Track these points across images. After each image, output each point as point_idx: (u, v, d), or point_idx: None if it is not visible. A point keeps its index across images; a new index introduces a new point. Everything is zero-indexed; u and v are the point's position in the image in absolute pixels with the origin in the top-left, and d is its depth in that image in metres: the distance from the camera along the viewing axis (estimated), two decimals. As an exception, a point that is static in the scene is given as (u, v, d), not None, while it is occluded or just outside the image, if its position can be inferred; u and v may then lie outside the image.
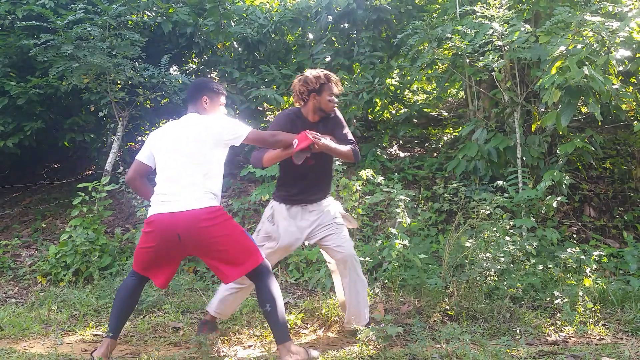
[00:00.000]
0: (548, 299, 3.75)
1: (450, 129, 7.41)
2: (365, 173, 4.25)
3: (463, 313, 3.46)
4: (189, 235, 2.56)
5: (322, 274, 4.04)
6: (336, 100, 3.07)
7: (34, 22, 5.18)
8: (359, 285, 3.06)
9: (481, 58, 4.70)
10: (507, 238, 3.82)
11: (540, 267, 3.99)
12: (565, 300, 3.52)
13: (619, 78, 5.17)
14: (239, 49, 6.79)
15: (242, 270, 2.66)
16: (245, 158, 6.14)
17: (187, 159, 2.66)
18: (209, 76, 6.87)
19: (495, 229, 3.85)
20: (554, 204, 4.35)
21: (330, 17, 6.66)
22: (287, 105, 6.15)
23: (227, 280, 2.71)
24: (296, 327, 3.32)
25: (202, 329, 3.07)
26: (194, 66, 7.37)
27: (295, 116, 3.07)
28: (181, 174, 2.64)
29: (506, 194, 4.50)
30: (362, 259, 4.07)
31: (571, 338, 3.17)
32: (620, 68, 4.99)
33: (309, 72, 3.03)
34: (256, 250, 2.73)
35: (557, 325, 3.34)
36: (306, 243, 3.28)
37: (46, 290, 4.18)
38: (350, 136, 3.16)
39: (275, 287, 2.69)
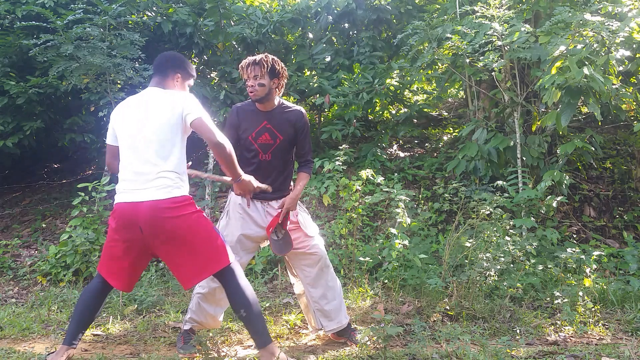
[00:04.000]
0: (548, 299, 3.75)
1: (450, 129, 7.42)
2: (365, 173, 4.25)
3: (463, 313, 3.46)
4: (151, 227, 2.34)
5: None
6: (250, 83, 2.78)
7: (33, 22, 5.18)
8: (337, 283, 3.01)
9: (481, 58, 4.70)
10: (507, 238, 3.82)
11: (540, 267, 3.99)
12: (565, 300, 3.52)
13: (619, 78, 5.17)
14: (239, 49, 6.78)
15: (206, 271, 2.43)
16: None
17: (150, 141, 2.41)
18: (208, 76, 6.87)
19: (495, 229, 3.85)
20: (554, 204, 4.35)
21: (330, 17, 6.66)
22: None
23: (189, 283, 2.46)
24: (296, 327, 3.32)
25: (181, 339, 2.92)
26: (194, 66, 7.35)
27: (249, 105, 2.91)
28: (144, 158, 2.40)
29: (506, 194, 4.50)
30: (362, 259, 4.08)
31: (571, 338, 3.17)
32: (620, 68, 4.99)
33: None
34: (224, 249, 2.49)
35: (557, 325, 3.34)
36: (266, 243, 3.04)
37: (46, 290, 4.18)
38: (307, 148, 3.00)
39: (248, 288, 2.48)
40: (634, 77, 5.38)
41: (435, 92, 7.44)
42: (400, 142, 7.09)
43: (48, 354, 2.58)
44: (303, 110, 2.99)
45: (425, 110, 6.93)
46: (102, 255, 2.56)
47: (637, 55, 4.82)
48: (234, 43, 6.80)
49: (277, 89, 2.88)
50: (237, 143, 2.88)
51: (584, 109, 5.86)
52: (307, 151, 3.02)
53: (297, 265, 2.98)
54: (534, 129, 5.37)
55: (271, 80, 2.81)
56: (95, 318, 2.67)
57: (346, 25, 6.85)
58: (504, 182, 4.48)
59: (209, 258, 2.43)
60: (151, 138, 2.42)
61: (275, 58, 2.87)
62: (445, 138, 7.18)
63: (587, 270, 3.94)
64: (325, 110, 6.95)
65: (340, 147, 4.60)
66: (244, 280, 2.51)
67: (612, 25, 4.07)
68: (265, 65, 2.78)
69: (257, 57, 2.81)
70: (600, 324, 3.36)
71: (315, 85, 6.15)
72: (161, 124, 2.43)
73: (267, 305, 3.68)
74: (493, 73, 5.05)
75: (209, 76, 6.87)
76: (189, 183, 2.56)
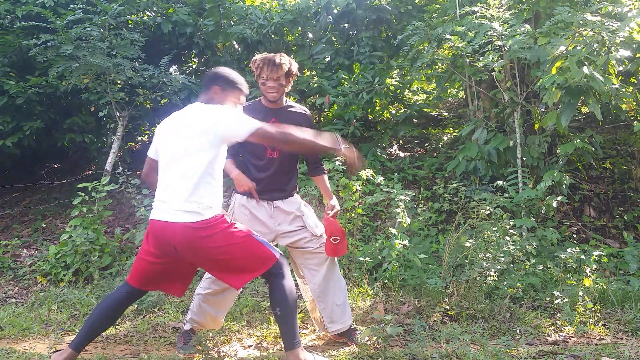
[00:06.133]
0: (548, 299, 3.75)
1: (450, 129, 7.42)
2: (365, 173, 4.24)
3: (463, 313, 3.46)
4: (184, 247, 2.35)
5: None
6: (271, 84, 2.78)
7: (33, 22, 5.18)
8: (343, 283, 3.02)
9: (481, 58, 4.70)
10: (507, 238, 3.82)
11: (540, 267, 3.99)
12: (565, 300, 3.52)
13: (619, 78, 5.17)
14: (239, 49, 6.79)
15: (249, 275, 2.46)
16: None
17: (183, 159, 2.37)
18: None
19: (495, 229, 3.85)
20: (554, 204, 4.35)
21: (330, 17, 6.67)
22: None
23: (239, 285, 2.49)
24: (296, 327, 3.32)
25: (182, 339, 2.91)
26: (194, 66, 7.37)
27: (256, 104, 2.90)
28: (177, 177, 2.38)
29: (506, 194, 4.50)
30: (362, 259, 4.08)
31: (571, 338, 3.17)
32: (620, 68, 4.99)
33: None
34: (266, 252, 2.48)
35: (557, 325, 3.34)
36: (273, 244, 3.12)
37: (46, 290, 4.18)
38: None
39: (288, 289, 2.49)
40: (634, 77, 5.38)
41: (435, 92, 7.44)
42: (400, 142, 7.08)
43: (54, 352, 2.53)
44: (308, 110, 3.02)
45: (425, 110, 6.93)
46: (136, 268, 2.52)
47: (637, 55, 4.82)
48: (234, 43, 6.81)
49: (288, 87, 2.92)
50: (242, 145, 2.87)
51: (584, 109, 5.86)
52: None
53: (305, 265, 2.97)
54: (536, 128, 5.37)
55: (287, 80, 2.84)
56: (109, 328, 2.64)
57: (346, 25, 6.85)
58: (504, 182, 4.47)
59: (251, 265, 2.45)
60: (185, 156, 2.38)
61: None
62: (445, 138, 7.18)
63: (587, 270, 3.94)
64: (325, 110, 6.95)
65: (340, 147, 4.58)
66: (289, 281, 2.51)
67: (612, 25, 4.07)
68: (285, 67, 2.78)
69: (276, 59, 2.77)
70: (600, 324, 3.36)
71: (315, 85, 6.15)
72: (195, 141, 2.36)
73: (268, 305, 3.68)
74: (493, 73, 5.05)
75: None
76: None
